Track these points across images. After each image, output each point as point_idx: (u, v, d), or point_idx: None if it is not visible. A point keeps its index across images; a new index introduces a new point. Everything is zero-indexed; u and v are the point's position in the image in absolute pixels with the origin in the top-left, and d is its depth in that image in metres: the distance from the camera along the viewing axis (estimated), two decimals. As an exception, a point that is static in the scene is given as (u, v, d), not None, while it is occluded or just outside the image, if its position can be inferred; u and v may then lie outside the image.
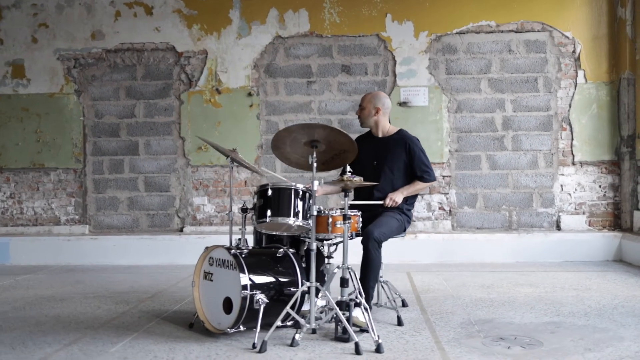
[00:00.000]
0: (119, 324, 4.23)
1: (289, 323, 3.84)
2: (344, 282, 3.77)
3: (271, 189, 3.76)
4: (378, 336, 3.55)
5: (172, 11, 7.64)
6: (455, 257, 7.02)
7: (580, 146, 7.34)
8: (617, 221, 7.34)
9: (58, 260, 7.22)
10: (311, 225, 3.72)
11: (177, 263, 7.09)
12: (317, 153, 3.72)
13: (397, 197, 4.29)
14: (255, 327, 3.64)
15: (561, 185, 7.38)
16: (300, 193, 3.79)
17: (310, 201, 3.80)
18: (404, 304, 4.67)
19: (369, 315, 3.66)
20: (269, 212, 3.73)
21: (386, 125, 4.56)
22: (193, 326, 4.04)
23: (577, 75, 7.35)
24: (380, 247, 4.07)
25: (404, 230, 4.40)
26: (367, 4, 7.50)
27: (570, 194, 7.37)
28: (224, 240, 7.02)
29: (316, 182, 3.74)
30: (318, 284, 3.71)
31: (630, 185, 7.10)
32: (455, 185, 7.44)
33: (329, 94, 7.55)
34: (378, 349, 3.49)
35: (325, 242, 4.07)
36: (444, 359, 3.39)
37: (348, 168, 3.80)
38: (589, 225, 7.35)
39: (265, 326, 3.69)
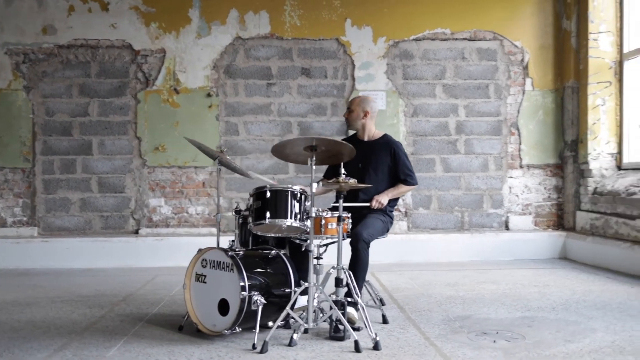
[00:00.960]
0: (102, 328, 4.14)
1: (281, 323, 3.89)
2: (339, 282, 3.85)
3: (270, 190, 3.78)
4: (375, 334, 3.66)
5: (128, 8, 7.47)
6: (412, 257, 7.24)
7: (528, 150, 7.74)
8: (560, 221, 7.79)
9: (6, 263, 6.91)
10: (309, 226, 3.77)
11: (134, 265, 6.96)
12: (315, 154, 3.77)
13: (382, 200, 4.42)
14: (254, 328, 3.66)
15: (509, 187, 7.75)
16: (298, 195, 3.84)
17: (307, 203, 3.86)
18: (382, 303, 4.80)
19: (365, 313, 3.76)
20: (267, 214, 3.74)
21: (372, 129, 4.68)
22: (183, 328, 4.01)
23: (525, 83, 7.74)
24: (368, 247, 4.19)
25: (387, 230, 4.53)
26: (327, 8, 7.61)
27: (517, 196, 7.76)
28: (183, 243, 7.02)
29: (315, 185, 3.80)
30: (316, 284, 3.77)
31: (573, 187, 7.55)
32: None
33: (288, 96, 7.60)
34: (376, 346, 3.59)
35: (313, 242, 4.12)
36: (439, 354, 3.53)
37: (342, 170, 3.88)
38: (535, 225, 7.76)
39: (260, 327, 3.72)
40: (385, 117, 7.63)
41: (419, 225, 7.69)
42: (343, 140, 4.72)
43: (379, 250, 7.07)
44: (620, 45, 7.24)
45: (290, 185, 3.89)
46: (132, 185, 7.50)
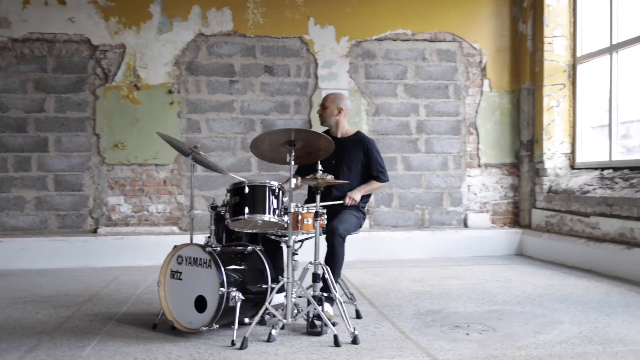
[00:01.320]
0: (72, 328, 4.03)
1: (257, 319, 3.89)
2: (316, 278, 3.87)
3: (248, 186, 3.76)
4: (354, 328, 3.69)
5: (87, 2, 7.28)
6: (374, 254, 7.31)
7: (485, 150, 7.94)
8: (516, 219, 8.02)
9: (-43, 264, 6.64)
10: (288, 222, 3.77)
11: (94, 265, 6.80)
12: (294, 149, 3.77)
13: (355, 196, 4.47)
14: (232, 324, 3.65)
15: (468, 186, 7.93)
16: (276, 191, 3.84)
17: (284, 198, 3.86)
18: (352, 298, 4.84)
19: (342, 308, 3.79)
20: (246, 210, 3.72)
21: (345, 126, 4.72)
22: (157, 327, 3.95)
23: (482, 84, 7.94)
24: (344, 242, 4.23)
25: (360, 226, 4.58)
26: (290, 7, 7.61)
27: (476, 194, 7.94)
28: (145, 242, 6.89)
29: (293, 180, 3.81)
30: (296, 280, 3.79)
31: (529, 186, 7.78)
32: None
33: (251, 93, 7.57)
34: (354, 341, 3.63)
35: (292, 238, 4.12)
36: (417, 347, 3.59)
37: (319, 167, 3.90)
38: (492, 223, 7.96)
39: (239, 323, 3.72)
40: (349, 115, 7.65)
41: (381, 223, 7.78)
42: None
43: (342, 248, 7.22)
44: (574, 49, 7.51)
45: (267, 181, 3.88)
46: (91, 183, 7.32)
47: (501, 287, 5.45)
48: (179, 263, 3.85)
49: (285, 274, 3.81)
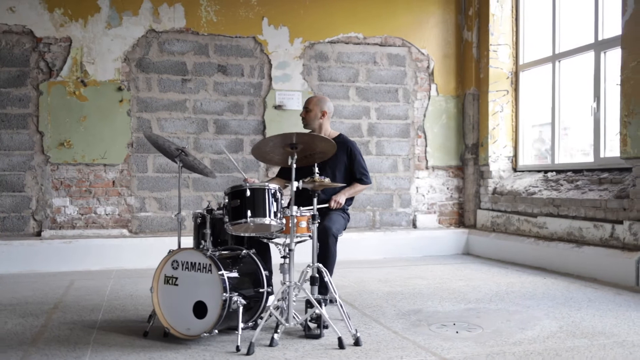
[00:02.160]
0: (55, 337, 3.80)
1: (250, 324, 3.84)
2: (314, 280, 3.86)
3: (249, 189, 3.69)
4: (356, 330, 3.72)
5: (30, -9, 6.88)
6: (329, 255, 7.35)
7: (433, 152, 8.18)
8: (460, 219, 8.32)
9: None
10: (291, 225, 3.74)
11: (41, 270, 6.46)
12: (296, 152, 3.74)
13: (340, 199, 4.49)
14: (231, 330, 3.58)
15: (416, 188, 8.15)
16: (276, 194, 3.79)
17: (283, 201, 3.83)
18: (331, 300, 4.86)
19: (343, 309, 3.81)
20: (249, 213, 3.65)
21: (328, 129, 4.74)
22: (148, 334, 3.80)
23: (430, 89, 8.18)
24: (337, 242, 4.26)
25: (345, 228, 4.61)
26: (244, 6, 7.52)
27: (424, 195, 8.17)
28: (94, 245, 6.56)
29: (295, 183, 3.77)
30: (295, 283, 3.76)
31: (474, 187, 8.10)
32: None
33: (204, 93, 7.41)
34: (357, 342, 3.65)
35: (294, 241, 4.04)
36: (418, 346, 3.66)
37: (316, 169, 3.89)
38: (439, 223, 8.22)
39: (229, 329, 3.67)
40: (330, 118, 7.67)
41: (333, 224, 7.83)
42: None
43: (297, 250, 7.21)
44: (516, 57, 7.89)
45: (266, 184, 3.83)
46: (34, 184, 6.91)
47: (466, 285, 5.64)
48: (175, 268, 3.72)
49: (286, 278, 3.77)
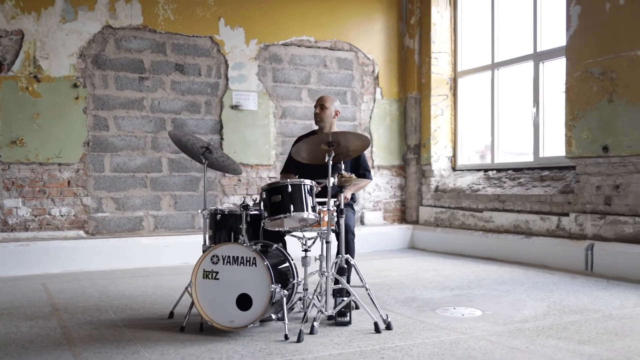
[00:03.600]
0: (88, 337, 3.74)
1: (276, 317, 3.99)
2: (342, 271, 4.10)
3: (290, 185, 3.85)
4: (386, 315, 3.99)
5: (-21, -20, 6.50)
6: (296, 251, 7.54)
7: (378, 152, 8.61)
8: (403, 216, 8.82)
9: None
10: (327, 218, 3.94)
11: (-3, 275, 6.12)
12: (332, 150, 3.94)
13: (347, 195, 4.73)
14: (283, 319, 3.74)
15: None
16: (312, 189, 3.98)
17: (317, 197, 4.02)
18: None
19: (372, 297, 4.07)
20: (291, 207, 3.81)
21: (335, 128, 4.95)
22: (184, 329, 3.85)
23: (375, 92, 8.61)
24: (354, 237, 4.50)
25: (353, 223, 4.87)
26: (201, 5, 7.53)
27: (370, 194, 8.58)
28: (53, 247, 6.33)
29: (332, 179, 3.97)
30: (332, 273, 3.97)
31: (416, 186, 8.63)
32: (280, 186, 7.96)
33: (162, 91, 7.34)
34: (388, 327, 3.93)
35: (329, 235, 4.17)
36: (441, 327, 4.00)
37: (343, 166, 4.13)
38: (384, 220, 8.67)
39: (263, 320, 3.83)
40: (257, 117, 7.83)
41: (287, 222, 8.03)
42: (303, 137, 4.97)
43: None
44: (455, 64, 8.51)
45: (301, 180, 4.00)
46: (-17, 184, 6.53)
47: (438, 275, 6.08)
48: (214, 263, 3.80)
49: (324, 269, 3.96)
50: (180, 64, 7.43)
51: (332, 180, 3.98)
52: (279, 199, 3.86)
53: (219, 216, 4.22)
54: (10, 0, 6.64)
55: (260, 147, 7.77)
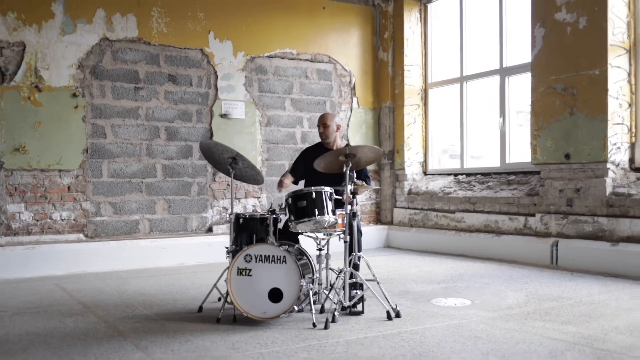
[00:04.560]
0: (137, 329, 4.17)
1: (297, 308, 4.49)
2: (357, 267, 4.65)
3: (315, 192, 4.38)
4: (395, 305, 4.57)
5: (-18, -7, 6.74)
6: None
7: (355, 158, 9.19)
8: (378, 217, 9.44)
9: None
10: (346, 222, 4.48)
11: (5, 277, 6.38)
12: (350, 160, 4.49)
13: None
14: (302, 310, 4.26)
15: (341, 189, 9.11)
16: (332, 195, 4.51)
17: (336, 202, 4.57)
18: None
19: (382, 290, 4.63)
20: (316, 211, 4.34)
21: (338, 140, 5.49)
22: (220, 320, 4.32)
23: (352, 101, 9.20)
24: (362, 236, 5.06)
25: (356, 225, 5.41)
26: (192, 19, 7.94)
27: (347, 196, 9.15)
28: (56, 250, 6.65)
29: (349, 186, 4.52)
30: (350, 269, 4.52)
31: (390, 189, 9.26)
32: (265, 190, 8.45)
33: (156, 101, 7.72)
34: (398, 315, 4.50)
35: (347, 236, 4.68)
36: (442, 314, 4.60)
37: (355, 175, 4.68)
38: (361, 221, 9.24)
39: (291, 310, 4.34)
40: (244, 125, 8.29)
41: (272, 224, 8.52)
42: (311, 147, 5.50)
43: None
44: (425, 76, 9.19)
45: (322, 187, 4.52)
46: (-13, 190, 6.77)
47: (420, 271, 6.71)
48: (248, 261, 4.28)
49: (344, 266, 4.50)
50: (173, 74, 7.82)
51: (350, 188, 4.52)
52: (304, 204, 4.39)
53: (241, 220, 4.69)
54: (13, 12, 6.90)
55: (247, 153, 8.22)
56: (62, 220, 7.15)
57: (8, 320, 4.51)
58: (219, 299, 4.84)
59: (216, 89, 8.10)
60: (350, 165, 4.51)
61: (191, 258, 7.41)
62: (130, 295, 5.44)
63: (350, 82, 9.18)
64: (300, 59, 8.78)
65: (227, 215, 4.64)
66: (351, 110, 9.19)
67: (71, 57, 7.21)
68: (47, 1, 7.08)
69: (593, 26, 6.47)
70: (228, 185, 8.14)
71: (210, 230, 7.94)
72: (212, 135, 8.04)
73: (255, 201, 8.38)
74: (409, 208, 8.98)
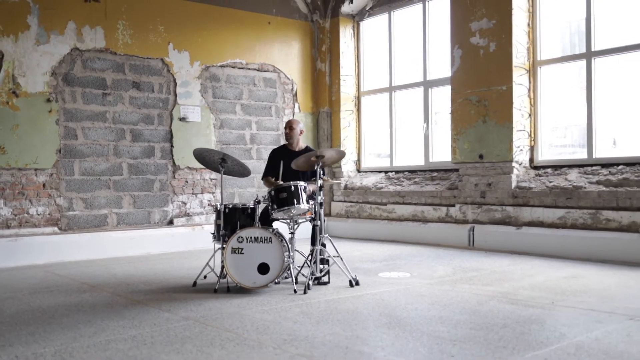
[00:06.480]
0: (150, 300, 5.07)
1: (279, 280, 5.56)
2: (325, 246, 5.76)
3: (294, 186, 5.44)
4: (355, 275, 5.72)
5: (-36, 6, 7.30)
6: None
7: (297, 157, 10.29)
8: (317, 210, 10.56)
9: None
10: (317, 209, 5.57)
11: (-8, 267, 7.03)
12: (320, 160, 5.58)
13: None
14: (291, 281, 5.32)
15: (285, 186, 10.18)
16: (306, 188, 5.59)
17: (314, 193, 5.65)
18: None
19: (344, 264, 5.77)
20: (295, 201, 5.41)
21: (300, 142, 6.56)
22: (217, 291, 5.31)
23: (294, 107, 10.29)
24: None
25: (314, 213, 6.50)
26: (153, 32, 8.76)
27: (290, 192, 10.23)
28: (36, 242, 7.35)
29: (320, 181, 5.61)
30: (321, 248, 5.62)
31: (328, 185, 10.41)
32: (219, 187, 9.39)
33: (122, 105, 8.49)
34: (357, 283, 5.65)
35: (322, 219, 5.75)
36: (393, 282, 5.79)
37: (321, 172, 5.78)
38: (302, 214, 10.36)
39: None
40: (201, 128, 9.20)
41: (225, 217, 9.47)
42: (277, 149, 6.56)
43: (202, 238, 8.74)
44: (359, 85, 10.43)
45: (298, 182, 5.59)
46: (-30, 188, 7.33)
47: (362, 254, 7.90)
48: (240, 242, 5.29)
49: (315, 244, 5.60)
50: (136, 81, 8.61)
51: (320, 182, 5.63)
52: (285, 195, 5.45)
53: (227, 210, 5.69)
54: (-8, 24, 7.50)
55: (203, 153, 9.13)
56: (38, 214, 7.81)
57: (29, 297, 5.28)
58: (205, 277, 5.81)
59: (175, 95, 8.95)
60: (321, 164, 5.61)
61: (156, 248, 8.26)
62: (123, 277, 6.29)
63: (292, 89, 10.27)
64: (249, 68, 9.77)
65: (218, 205, 5.53)
66: (293, 114, 10.28)
67: (45, 65, 7.87)
68: (23, 14, 7.71)
69: (501, 50, 7.90)
70: (187, 181, 9.02)
71: (171, 222, 8.81)
72: (172, 136, 8.89)
73: (210, 196, 9.30)
74: (345, 201, 10.18)
